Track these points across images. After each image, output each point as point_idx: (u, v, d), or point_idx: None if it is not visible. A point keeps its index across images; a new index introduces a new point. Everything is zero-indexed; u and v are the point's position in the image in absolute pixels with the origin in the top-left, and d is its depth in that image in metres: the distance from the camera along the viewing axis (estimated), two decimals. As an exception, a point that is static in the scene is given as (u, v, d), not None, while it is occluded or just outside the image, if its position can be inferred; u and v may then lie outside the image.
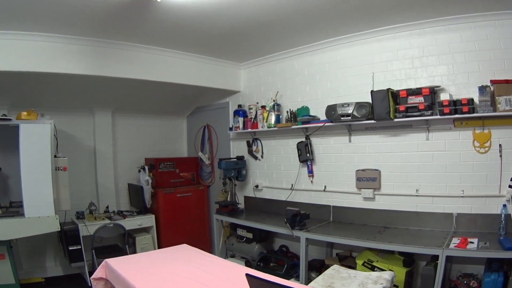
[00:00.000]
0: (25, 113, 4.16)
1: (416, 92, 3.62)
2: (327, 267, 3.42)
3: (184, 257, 3.34)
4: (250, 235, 4.82)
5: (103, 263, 3.22)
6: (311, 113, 4.52)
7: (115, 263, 3.12)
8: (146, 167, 5.43)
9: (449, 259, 3.19)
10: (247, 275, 1.85)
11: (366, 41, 4.16)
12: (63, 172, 4.38)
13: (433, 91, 3.57)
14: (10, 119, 4.07)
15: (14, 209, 4.36)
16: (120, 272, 2.87)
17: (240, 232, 4.96)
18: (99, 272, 3.23)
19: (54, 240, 4.94)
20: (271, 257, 4.71)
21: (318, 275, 3.17)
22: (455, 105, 3.36)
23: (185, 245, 3.73)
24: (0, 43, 3.78)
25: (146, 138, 6.00)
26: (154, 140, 6.10)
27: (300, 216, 3.94)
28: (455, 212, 3.55)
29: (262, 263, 4.63)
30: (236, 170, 5.19)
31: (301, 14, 3.61)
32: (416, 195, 3.80)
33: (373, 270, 3.48)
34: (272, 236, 5.03)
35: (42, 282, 4.78)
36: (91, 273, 4.57)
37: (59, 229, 4.20)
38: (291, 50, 4.79)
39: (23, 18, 3.54)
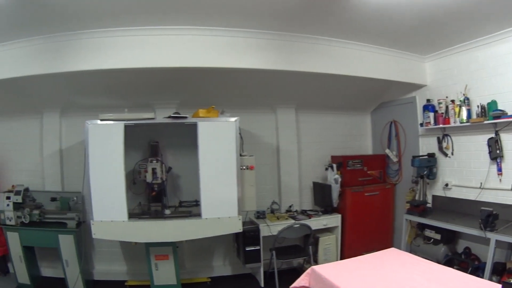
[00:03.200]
0: (203, 110, 4.16)
1: None
2: (509, 270, 3.32)
3: (396, 262, 3.14)
4: (438, 236, 4.54)
5: (308, 270, 3.14)
6: (499, 107, 4.02)
7: (324, 270, 2.99)
8: (334, 165, 5.18)
9: None
10: (504, 283, 1.70)
11: None
12: (249, 171, 4.34)
13: None
14: (186, 117, 4.10)
15: (184, 208, 4.47)
16: (331, 280, 2.75)
17: (428, 233, 4.64)
18: (302, 280, 3.14)
19: (226, 239, 4.99)
20: (455, 259, 4.39)
21: (499, 279, 2.90)
22: None
23: (393, 248, 3.56)
24: (178, 39, 3.90)
25: (330, 135, 5.77)
26: (338, 137, 5.84)
27: (492, 216, 3.67)
28: None
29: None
30: (428, 168, 4.82)
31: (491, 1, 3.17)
32: None
33: None
34: (456, 237, 4.60)
35: (207, 282, 4.90)
36: (265, 273, 4.68)
37: (241, 230, 4.16)
38: (475, 40, 4.33)
39: (200, 13, 3.56)
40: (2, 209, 4.75)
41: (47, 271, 5.22)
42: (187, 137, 4.22)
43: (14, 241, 4.80)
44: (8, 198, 4.72)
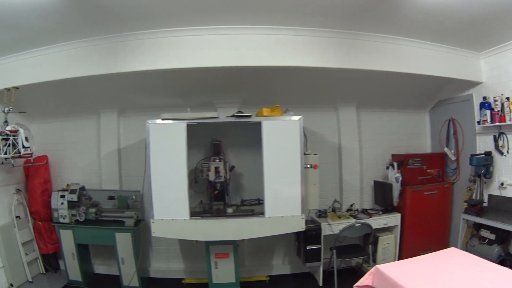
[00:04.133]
0: (267, 109, 4.07)
1: None
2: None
3: (456, 262, 3.10)
4: (492, 237, 4.38)
5: (372, 269, 3.09)
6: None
7: (388, 269, 2.95)
8: (395, 164, 5.04)
9: None
10: None
11: None
12: (313, 170, 4.25)
13: None
14: (250, 116, 4.02)
15: (246, 207, 4.41)
16: (395, 279, 2.73)
17: (483, 233, 4.50)
18: (365, 279, 3.10)
19: (286, 237, 4.91)
20: (508, 260, 4.23)
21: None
22: None
23: (453, 248, 3.48)
24: (240, 38, 3.86)
25: (389, 133, 5.61)
26: (396, 135, 5.68)
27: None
28: None
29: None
30: (485, 166, 4.71)
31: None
32: None
33: None
34: (510, 237, 4.43)
35: (266, 281, 4.86)
36: (324, 272, 4.60)
37: (303, 229, 4.08)
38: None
39: (262, 11, 3.54)
40: (56, 207, 4.74)
41: (100, 268, 5.22)
42: (249, 135, 4.17)
43: (67, 238, 4.77)
44: (62, 196, 4.71)
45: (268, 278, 4.89)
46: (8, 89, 4.43)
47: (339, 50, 4.08)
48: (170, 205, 3.95)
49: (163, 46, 3.91)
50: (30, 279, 5.07)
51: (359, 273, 4.82)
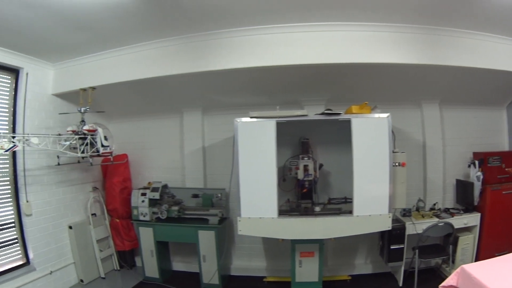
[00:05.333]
0: (356, 106, 4.03)
1: None
2: None
3: None
4: None
5: (457, 269, 2.98)
6: None
7: (473, 269, 2.84)
8: (476, 162, 4.93)
9: None
10: None
11: None
12: (401, 168, 4.18)
13: None
14: (339, 114, 3.98)
15: (333, 206, 4.38)
16: (480, 279, 2.65)
17: None
18: (451, 280, 3.00)
19: (369, 237, 4.85)
20: None
21: None
22: None
23: None
24: (324, 35, 3.82)
25: (469, 131, 5.47)
26: (476, 132, 5.53)
27: None
28: None
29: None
30: None
31: None
32: None
33: None
34: None
35: (347, 280, 4.82)
36: (405, 272, 4.55)
37: (390, 228, 4.03)
38: None
39: (347, 8, 3.52)
40: (136, 205, 4.80)
41: (179, 265, 5.28)
42: (337, 133, 4.13)
43: (147, 236, 4.84)
44: (143, 194, 4.76)
45: (349, 278, 4.87)
46: (84, 89, 4.52)
47: (422, 46, 4.02)
48: (258, 204, 3.95)
49: (249, 44, 3.92)
50: (102, 275, 5.18)
51: (438, 274, 4.78)
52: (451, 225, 4.49)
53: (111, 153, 4.59)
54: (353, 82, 4.50)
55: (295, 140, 4.54)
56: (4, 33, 3.72)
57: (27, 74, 4.48)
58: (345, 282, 4.80)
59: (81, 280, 4.99)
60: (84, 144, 4.28)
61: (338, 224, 3.96)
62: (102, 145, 4.38)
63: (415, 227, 4.51)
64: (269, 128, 3.88)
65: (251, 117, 3.94)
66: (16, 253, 4.42)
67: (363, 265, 5.10)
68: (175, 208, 4.69)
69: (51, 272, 4.60)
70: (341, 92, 4.66)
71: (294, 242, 4.22)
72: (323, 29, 3.83)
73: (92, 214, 5.16)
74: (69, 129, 4.35)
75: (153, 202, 4.74)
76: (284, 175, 4.33)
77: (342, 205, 4.33)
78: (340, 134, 4.03)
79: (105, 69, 4.46)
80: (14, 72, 4.46)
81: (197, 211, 4.74)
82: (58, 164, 4.40)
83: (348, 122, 3.89)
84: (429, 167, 5.11)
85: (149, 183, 4.99)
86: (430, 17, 3.76)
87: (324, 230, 3.96)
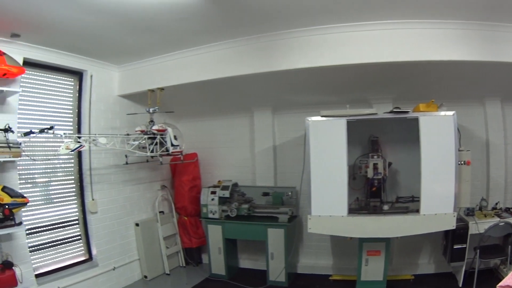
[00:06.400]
0: (423, 104, 4.07)
1: None
2: None
3: None
4: None
5: None
6: None
7: None
8: None
9: None
10: None
11: None
12: (466, 167, 4.20)
13: None
14: (407, 112, 4.02)
15: (400, 204, 4.41)
16: None
17: None
18: (508, 280, 2.96)
19: (433, 236, 4.84)
20: None
21: None
22: None
23: None
24: (393, 33, 3.83)
25: None
26: None
27: None
28: None
29: None
30: None
31: None
32: None
33: None
34: None
35: (410, 280, 4.82)
36: (466, 272, 4.57)
37: (454, 227, 4.06)
38: None
39: (416, 5, 3.49)
40: (205, 203, 4.97)
41: (245, 262, 5.44)
42: (404, 131, 4.19)
43: (215, 233, 5.01)
44: (213, 193, 4.93)
45: (412, 277, 4.90)
46: (152, 90, 4.65)
47: (484, 42, 3.97)
48: (328, 202, 4.05)
49: (317, 43, 3.96)
50: (167, 272, 5.36)
51: (495, 275, 4.78)
52: (511, 225, 4.50)
53: (181, 152, 4.73)
54: (419, 79, 4.54)
55: (363, 138, 4.63)
56: (67, 37, 3.88)
57: (91, 76, 4.68)
58: (408, 282, 4.84)
59: (145, 276, 5.17)
60: (154, 144, 4.43)
61: (405, 223, 4.01)
62: (172, 145, 4.52)
63: (478, 226, 4.51)
64: (340, 127, 3.98)
65: (322, 116, 4.05)
66: (79, 249, 4.64)
67: (426, 265, 5.13)
68: (245, 206, 4.86)
69: (114, 268, 4.80)
70: (407, 90, 4.71)
71: (362, 240, 4.29)
72: (392, 27, 3.87)
73: (159, 212, 5.38)
74: (137, 129, 4.51)
75: (222, 200, 4.91)
76: (354, 174, 4.43)
77: (409, 204, 4.40)
78: (407, 132, 4.09)
79: (172, 70, 4.60)
80: (77, 74, 4.66)
81: (267, 209, 4.90)
82: (126, 163, 4.55)
83: (414, 120, 3.95)
84: (492, 166, 5.13)
85: (219, 181, 5.15)
86: (492, 12, 3.72)
87: (391, 229, 4.02)
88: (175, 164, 5.40)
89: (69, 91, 4.65)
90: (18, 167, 3.86)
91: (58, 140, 3.87)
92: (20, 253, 3.74)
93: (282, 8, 3.44)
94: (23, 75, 3.73)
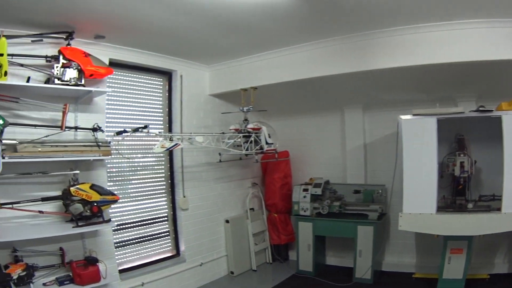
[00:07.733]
0: (506, 103, 4.11)
1: None
2: None
3: None
4: None
5: None
6: None
7: None
8: None
9: None
10: None
11: None
12: None
13: None
14: (491, 110, 4.05)
15: (483, 203, 4.40)
16: None
17: None
18: None
19: (509, 235, 4.71)
20: None
21: None
22: None
23: None
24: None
25: None
26: None
27: None
28: None
29: None
30: None
31: None
32: None
33: None
34: None
35: (486, 279, 4.76)
36: None
37: None
38: None
39: (497, 5, 3.47)
40: (297, 200, 5.17)
41: (332, 260, 5.58)
42: (489, 130, 4.23)
43: (305, 230, 5.20)
44: (305, 190, 5.12)
45: (488, 276, 4.85)
46: (245, 90, 4.84)
47: None
48: (419, 199, 4.13)
49: (408, 43, 3.99)
50: (254, 268, 5.56)
51: None
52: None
53: (275, 150, 4.86)
54: (502, 78, 4.54)
55: (448, 136, 4.63)
56: (155, 38, 4.00)
57: (181, 76, 4.84)
58: (484, 281, 4.79)
59: (231, 272, 5.37)
60: (248, 142, 4.58)
61: (488, 221, 4.03)
62: (267, 143, 4.67)
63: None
64: (431, 125, 4.06)
65: (414, 115, 4.16)
66: (166, 245, 4.83)
67: (501, 265, 5.06)
68: (337, 203, 4.98)
69: (201, 264, 4.97)
70: (490, 88, 4.72)
71: (447, 238, 4.33)
72: (477, 26, 3.85)
73: (250, 209, 5.63)
74: (232, 127, 4.64)
75: (314, 198, 5.06)
76: (442, 172, 4.45)
77: (491, 202, 4.38)
78: (492, 131, 4.11)
79: (263, 69, 4.72)
80: (166, 74, 4.82)
81: (358, 206, 5.03)
82: (220, 161, 4.73)
83: (497, 119, 3.97)
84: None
85: (310, 179, 5.31)
86: None
87: (475, 227, 4.05)
88: (266, 162, 5.59)
89: (158, 90, 4.83)
90: (107, 165, 4.01)
91: (145, 139, 4.04)
92: (105, 249, 3.86)
93: (374, 8, 3.46)
94: (109, 76, 3.83)
